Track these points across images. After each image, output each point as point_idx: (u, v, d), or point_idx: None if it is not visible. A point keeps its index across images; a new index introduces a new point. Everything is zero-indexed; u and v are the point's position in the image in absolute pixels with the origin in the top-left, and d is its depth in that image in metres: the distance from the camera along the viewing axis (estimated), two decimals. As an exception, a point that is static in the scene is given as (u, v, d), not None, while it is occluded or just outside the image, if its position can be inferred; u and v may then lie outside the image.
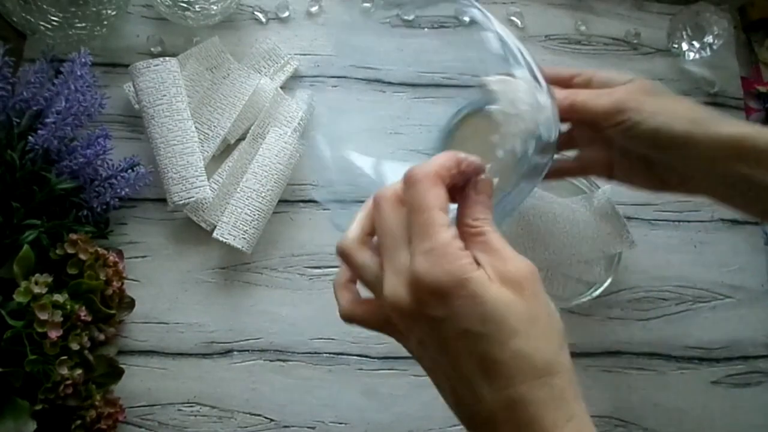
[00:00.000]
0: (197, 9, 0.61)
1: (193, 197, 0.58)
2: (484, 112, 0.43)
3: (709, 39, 0.68)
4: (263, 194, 0.57)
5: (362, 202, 0.62)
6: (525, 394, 0.30)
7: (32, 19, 0.58)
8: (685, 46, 0.69)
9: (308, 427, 0.56)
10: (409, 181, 0.33)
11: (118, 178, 0.56)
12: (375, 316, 0.35)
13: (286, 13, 0.66)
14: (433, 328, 0.31)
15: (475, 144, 0.59)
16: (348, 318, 0.36)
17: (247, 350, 0.57)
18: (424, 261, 0.30)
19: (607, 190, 0.60)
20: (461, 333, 0.30)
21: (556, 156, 0.42)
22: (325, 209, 0.61)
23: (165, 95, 0.58)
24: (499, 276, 0.31)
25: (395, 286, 0.31)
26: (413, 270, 0.31)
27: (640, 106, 0.42)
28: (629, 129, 0.42)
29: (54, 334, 0.47)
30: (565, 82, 0.47)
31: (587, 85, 0.46)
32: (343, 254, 0.35)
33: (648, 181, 0.46)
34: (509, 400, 0.30)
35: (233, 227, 0.57)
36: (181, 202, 0.57)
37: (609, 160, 0.48)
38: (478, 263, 0.31)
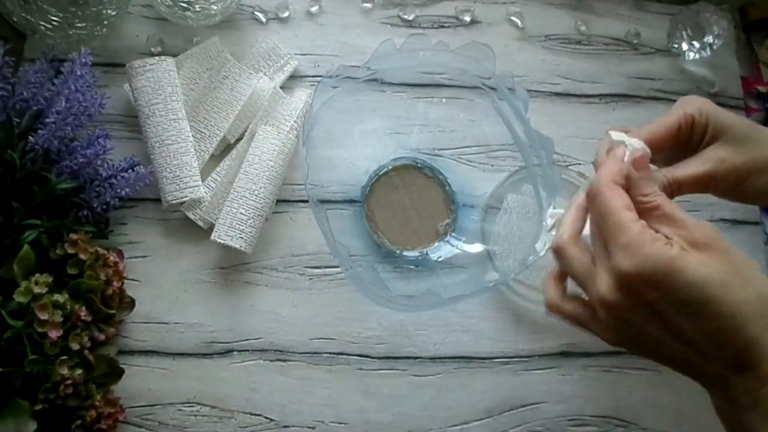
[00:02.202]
0: (197, 9, 0.61)
1: (187, 197, 0.58)
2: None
3: (709, 39, 0.68)
4: (257, 192, 0.57)
5: (357, 202, 0.63)
6: (756, 335, 0.33)
7: (32, 19, 0.58)
8: (685, 46, 0.69)
9: (308, 427, 0.56)
10: (590, 195, 0.37)
11: (118, 178, 0.56)
12: (581, 312, 0.39)
13: (286, 13, 0.66)
14: (653, 312, 0.34)
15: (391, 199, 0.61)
16: (554, 310, 0.41)
17: (247, 350, 0.57)
18: (624, 256, 0.34)
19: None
20: (680, 306, 0.33)
21: None
22: (329, 209, 0.61)
23: (161, 95, 0.58)
24: (690, 244, 0.34)
25: (608, 285, 0.35)
26: (617, 266, 0.34)
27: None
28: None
29: (54, 334, 0.47)
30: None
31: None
32: (558, 250, 0.39)
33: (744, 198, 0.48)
34: (742, 345, 0.33)
35: (230, 228, 0.57)
36: (175, 202, 0.58)
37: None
38: (667, 237, 0.35)
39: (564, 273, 0.42)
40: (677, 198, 0.64)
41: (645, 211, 0.36)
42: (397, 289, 0.59)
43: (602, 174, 0.38)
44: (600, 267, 0.36)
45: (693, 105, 0.44)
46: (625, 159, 0.39)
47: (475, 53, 0.55)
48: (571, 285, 0.41)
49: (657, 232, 0.35)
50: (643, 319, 0.35)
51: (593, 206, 0.37)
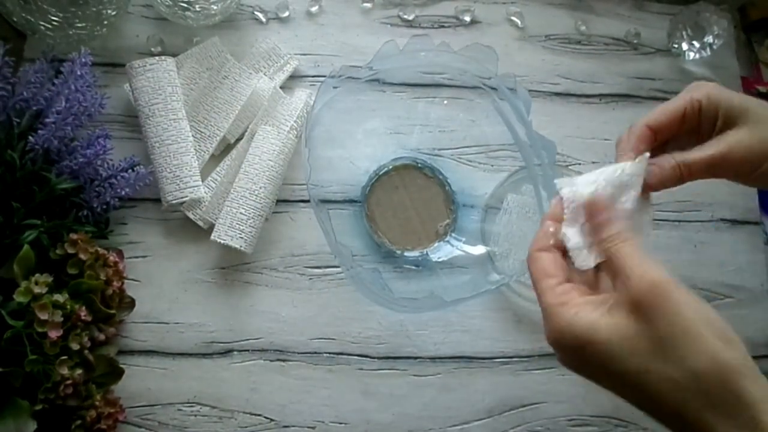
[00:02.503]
0: (197, 9, 0.61)
1: (186, 197, 0.58)
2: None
3: (709, 39, 0.68)
4: (256, 192, 0.57)
5: (358, 202, 0.63)
6: (694, 417, 0.29)
7: (32, 19, 0.58)
8: (685, 46, 0.69)
9: (308, 427, 0.56)
10: (530, 255, 0.37)
11: (118, 178, 0.56)
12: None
13: (286, 13, 0.66)
14: (585, 374, 0.33)
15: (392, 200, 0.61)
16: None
17: (247, 350, 0.57)
18: (545, 323, 0.34)
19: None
20: (604, 375, 0.32)
21: None
22: (329, 209, 0.61)
23: (161, 94, 0.58)
24: (624, 303, 0.31)
25: (547, 331, 0.35)
26: (547, 338, 0.34)
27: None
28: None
29: (54, 334, 0.47)
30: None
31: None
32: (530, 258, 0.38)
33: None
34: (681, 428, 0.31)
35: (230, 228, 0.57)
36: (174, 201, 0.58)
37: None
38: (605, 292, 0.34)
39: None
40: (677, 198, 0.65)
41: (605, 253, 0.35)
42: (397, 289, 0.59)
43: (534, 240, 0.38)
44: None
45: (701, 91, 0.41)
46: (565, 213, 0.38)
47: (477, 54, 0.55)
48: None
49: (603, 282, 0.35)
50: (587, 376, 0.34)
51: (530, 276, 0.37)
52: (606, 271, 0.35)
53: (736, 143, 0.39)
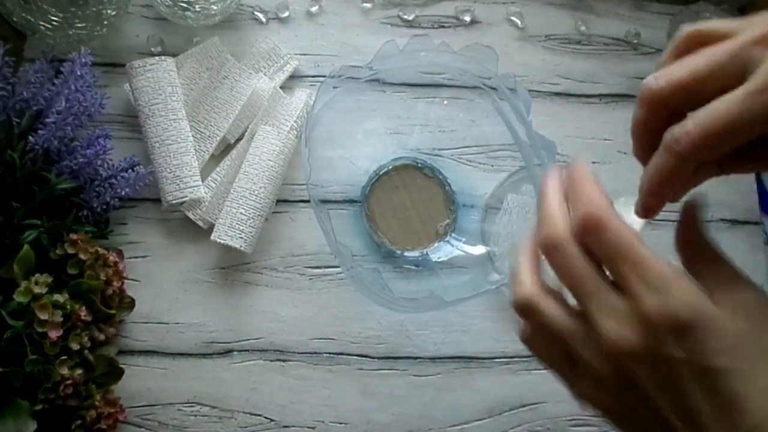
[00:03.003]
0: (197, 9, 0.61)
1: (186, 197, 0.58)
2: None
3: (709, 39, 0.68)
4: (257, 192, 0.57)
5: (357, 202, 0.63)
6: None
7: (32, 19, 0.58)
8: (685, 46, 0.69)
9: (308, 427, 0.56)
10: (591, 226, 0.29)
11: (118, 178, 0.56)
12: (566, 324, 0.30)
13: (286, 13, 0.66)
14: (665, 369, 0.27)
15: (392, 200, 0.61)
16: (526, 305, 0.31)
17: (247, 350, 0.57)
18: (653, 296, 0.27)
19: None
20: (702, 371, 0.26)
21: None
22: (329, 209, 0.61)
23: (161, 94, 0.58)
24: (731, 305, 0.28)
25: (617, 329, 0.27)
26: (643, 307, 0.27)
27: None
28: None
29: (54, 334, 0.47)
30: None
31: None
32: (526, 307, 0.31)
33: None
34: None
35: (230, 228, 0.57)
36: (174, 202, 0.58)
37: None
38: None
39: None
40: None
41: (696, 263, 0.31)
42: (397, 290, 0.59)
43: (595, 198, 0.29)
44: (603, 299, 0.28)
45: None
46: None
47: (477, 54, 0.55)
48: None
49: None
50: (645, 375, 0.28)
51: (596, 239, 0.29)
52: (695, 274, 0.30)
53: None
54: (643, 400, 0.28)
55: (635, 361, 0.27)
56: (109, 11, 0.60)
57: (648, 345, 0.27)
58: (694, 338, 0.26)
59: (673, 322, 0.26)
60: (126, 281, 0.55)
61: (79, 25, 0.59)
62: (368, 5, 0.68)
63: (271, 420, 0.56)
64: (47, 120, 0.54)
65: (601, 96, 0.68)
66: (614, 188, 0.65)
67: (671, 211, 0.67)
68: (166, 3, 0.61)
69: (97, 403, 0.50)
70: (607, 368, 0.28)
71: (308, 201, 0.61)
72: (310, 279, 0.60)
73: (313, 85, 0.65)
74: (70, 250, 0.52)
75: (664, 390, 0.28)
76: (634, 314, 0.27)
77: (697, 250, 0.31)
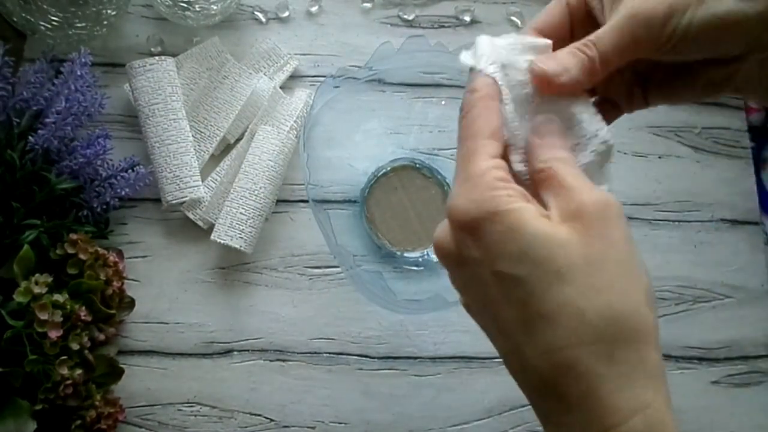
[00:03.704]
0: (197, 9, 0.61)
1: (186, 197, 0.58)
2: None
3: (709, 39, 0.68)
4: (256, 192, 0.57)
5: (356, 202, 0.62)
6: (578, 362, 0.23)
7: (32, 19, 0.58)
8: (685, 46, 0.69)
9: (308, 427, 0.56)
10: (464, 107, 0.29)
11: (118, 178, 0.56)
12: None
13: (286, 13, 0.66)
14: (471, 272, 0.27)
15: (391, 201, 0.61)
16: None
17: (247, 350, 0.57)
18: (457, 193, 0.27)
19: None
20: (496, 276, 0.25)
21: None
22: (326, 209, 0.61)
23: (161, 95, 0.58)
24: (561, 213, 0.25)
25: (438, 230, 0.28)
26: (448, 204, 0.27)
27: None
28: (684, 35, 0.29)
29: (54, 334, 0.47)
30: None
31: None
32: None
33: (689, 92, 0.33)
34: (559, 365, 0.24)
35: (230, 228, 0.57)
36: (174, 202, 0.58)
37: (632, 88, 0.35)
38: (545, 207, 0.26)
39: None
40: (677, 198, 0.64)
41: (539, 183, 0.27)
42: (397, 290, 0.59)
43: (480, 86, 0.29)
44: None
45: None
46: (504, 95, 0.30)
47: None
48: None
49: (545, 203, 0.27)
50: (464, 278, 0.28)
51: (462, 118, 0.30)
52: (542, 191, 0.27)
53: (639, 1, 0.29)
54: (474, 307, 0.29)
55: (446, 262, 0.28)
56: (109, 11, 0.60)
57: (454, 244, 0.27)
58: (485, 240, 0.25)
59: (465, 220, 0.26)
60: (126, 281, 0.55)
61: (79, 25, 0.59)
62: (368, 5, 0.68)
63: (271, 420, 0.56)
64: (47, 120, 0.54)
65: (601, 96, 0.68)
66: (614, 188, 0.65)
67: (671, 211, 0.68)
68: (166, 3, 0.61)
69: (97, 403, 0.50)
70: (444, 266, 0.29)
71: (308, 201, 0.61)
72: (310, 279, 0.60)
73: (313, 85, 0.65)
74: (70, 250, 0.52)
75: (473, 293, 0.27)
76: (447, 208, 0.27)
77: (537, 170, 0.28)
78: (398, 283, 0.60)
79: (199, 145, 0.61)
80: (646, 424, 0.24)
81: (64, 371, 0.48)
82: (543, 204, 0.27)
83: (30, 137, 0.54)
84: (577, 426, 0.24)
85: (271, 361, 0.57)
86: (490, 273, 0.26)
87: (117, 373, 0.53)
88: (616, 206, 0.25)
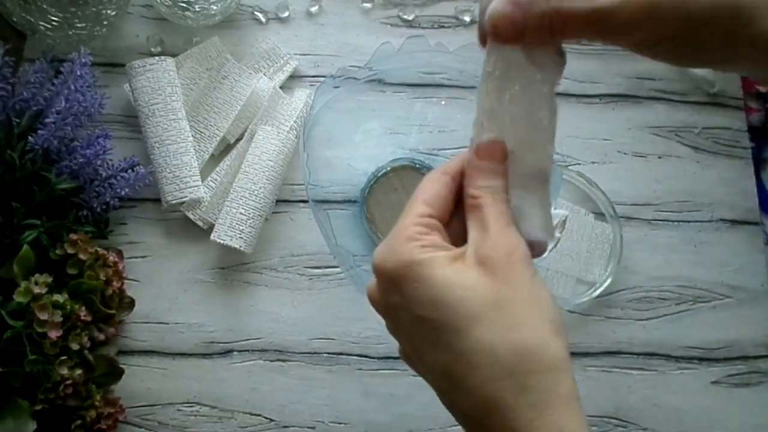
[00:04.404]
0: (197, 9, 0.61)
1: (186, 197, 0.58)
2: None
3: (709, 39, 0.68)
4: (256, 192, 0.57)
5: (354, 202, 0.63)
6: (495, 396, 0.25)
7: (32, 19, 0.58)
8: (685, 46, 0.69)
9: (308, 427, 0.56)
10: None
11: (118, 178, 0.56)
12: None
13: (286, 13, 0.66)
14: (398, 318, 0.29)
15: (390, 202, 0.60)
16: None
17: (247, 350, 0.57)
18: (381, 245, 0.30)
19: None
20: (418, 320, 0.28)
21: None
22: (326, 209, 0.61)
23: (160, 95, 0.58)
24: (475, 252, 0.28)
25: (370, 281, 0.31)
26: (374, 256, 0.30)
27: None
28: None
29: (54, 334, 0.47)
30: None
31: None
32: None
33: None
34: (482, 402, 0.26)
35: (230, 228, 0.57)
36: (174, 202, 0.58)
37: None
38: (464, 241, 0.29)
39: None
40: (677, 198, 0.65)
41: (469, 209, 0.30)
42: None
43: (446, 163, 0.32)
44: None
45: None
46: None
47: (473, 54, 0.55)
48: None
49: (467, 229, 0.30)
50: (392, 323, 0.31)
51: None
52: (468, 216, 0.30)
53: None
54: (403, 348, 0.31)
55: (377, 309, 0.31)
56: (109, 11, 0.60)
57: (380, 292, 0.30)
58: (404, 288, 0.28)
59: (384, 271, 0.29)
60: (126, 281, 0.55)
61: (79, 25, 0.59)
62: (368, 5, 0.68)
63: (271, 420, 0.56)
64: (47, 120, 0.54)
65: (601, 96, 0.68)
66: (614, 188, 0.66)
67: (671, 211, 0.68)
68: (166, 3, 0.61)
69: (97, 403, 0.50)
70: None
71: (308, 201, 0.61)
72: (310, 279, 0.60)
73: (313, 85, 0.65)
74: (70, 250, 0.52)
75: (403, 339, 0.30)
76: (373, 260, 0.30)
77: (466, 198, 0.31)
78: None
79: (199, 145, 0.61)
80: None
81: (64, 371, 0.48)
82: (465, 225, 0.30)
83: (30, 137, 0.54)
84: None
85: (271, 361, 0.57)
86: (412, 318, 0.28)
87: (117, 373, 0.53)
88: (522, 252, 0.28)
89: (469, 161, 0.31)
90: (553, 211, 0.51)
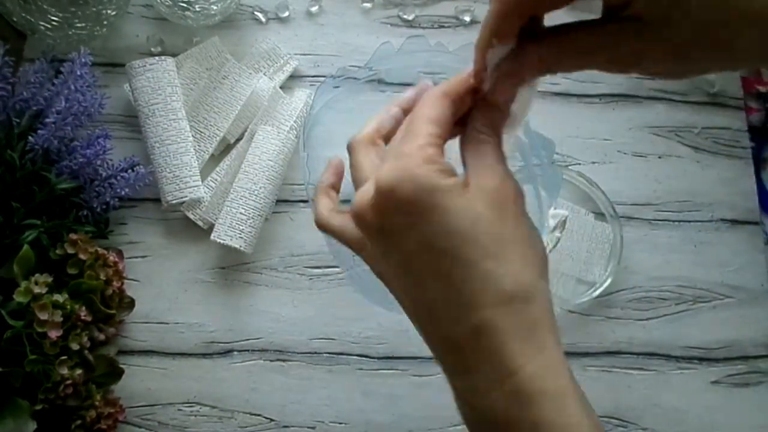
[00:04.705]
0: (197, 9, 0.61)
1: (186, 197, 0.58)
2: None
3: (709, 39, 0.68)
4: (256, 192, 0.57)
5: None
6: (491, 320, 0.27)
7: (32, 19, 0.58)
8: (685, 46, 0.69)
9: (308, 427, 0.56)
10: (418, 93, 0.33)
11: (118, 178, 0.56)
12: (350, 229, 0.33)
13: (286, 13, 0.66)
14: (396, 241, 0.29)
15: None
16: (322, 226, 0.36)
17: (247, 350, 0.57)
18: (391, 165, 0.28)
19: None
20: (425, 247, 0.28)
21: None
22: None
23: (160, 94, 0.58)
24: (481, 191, 0.28)
25: (365, 192, 0.30)
26: (378, 173, 0.29)
27: None
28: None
29: (54, 334, 0.47)
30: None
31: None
32: (349, 149, 0.35)
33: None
34: (474, 327, 0.28)
35: (230, 227, 0.57)
36: (174, 202, 0.58)
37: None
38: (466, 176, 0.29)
39: (337, 184, 0.37)
40: (677, 198, 0.65)
41: (472, 142, 0.31)
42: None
43: (447, 81, 0.31)
44: (358, 191, 0.31)
45: None
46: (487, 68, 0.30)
47: (472, 54, 0.55)
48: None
49: (464, 159, 0.30)
50: (386, 246, 0.30)
51: (416, 104, 0.31)
52: (468, 148, 0.31)
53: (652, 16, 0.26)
54: (394, 275, 0.30)
55: (367, 230, 0.30)
56: (109, 11, 0.60)
57: (377, 212, 0.29)
58: (415, 213, 0.28)
59: (395, 193, 0.28)
60: (126, 281, 0.55)
61: (79, 25, 0.59)
62: (368, 5, 0.68)
63: (271, 420, 0.56)
64: (47, 120, 0.54)
65: (601, 96, 0.68)
66: (614, 188, 0.66)
67: (671, 211, 0.68)
68: (166, 3, 0.61)
69: (97, 403, 0.50)
70: (356, 233, 0.31)
71: (308, 201, 0.61)
72: (310, 279, 0.60)
73: (313, 85, 0.65)
74: (70, 250, 0.52)
75: (400, 264, 0.29)
76: (375, 182, 0.29)
77: (472, 132, 0.31)
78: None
79: (199, 145, 0.61)
80: (546, 360, 0.27)
81: (64, 371, 0.48)
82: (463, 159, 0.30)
83: (30, 137, 0.54)
84: (487, 375, 0.28)
85: (271, 361, 0.57)
86: (417, 243, 0.28)
87: (117, 373, 0.53)
88: (521, 193, 0.29)
89: (480, 103, 0.31)
90: (553, 210, 0.51)
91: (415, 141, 0.29)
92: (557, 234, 0.59)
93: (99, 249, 0.53)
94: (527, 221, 0.29)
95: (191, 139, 0.60)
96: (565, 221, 0.59)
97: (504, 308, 0.27)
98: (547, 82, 0.68)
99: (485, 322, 0.27)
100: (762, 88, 0.70)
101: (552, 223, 0.55)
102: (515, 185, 0.29)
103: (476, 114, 0.31)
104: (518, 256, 0.28)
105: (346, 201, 0.62)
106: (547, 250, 0.51)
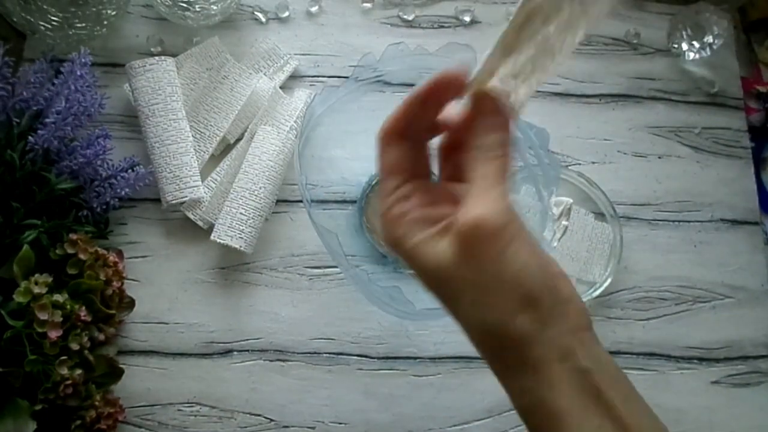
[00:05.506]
0: (197, 9, 0.61)
1: (186, 197, 0.58)
2: None
3: (709, 39, 0.68)
4: (256, 192, 0.57)
5: (354, 202, 0.62)
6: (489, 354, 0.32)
7: (32, 19, 0.58)
8: (685, 46, 0.69)
9: (308, 427, 0.56)
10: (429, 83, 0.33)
11: (118, 178, 0.56)
12: (401, 163, 0.33)
13: (286, 13, 0.66)
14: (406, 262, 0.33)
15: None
16: (382, 138, 0.33)
17: (247, 350, 0.57)
18: (381, 223, 0.32)
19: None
20: (424, 286, 0.32)
21: None
22: (326, 209, 0.61)
23: (160, 95, 0.58)
24: (457, 227, 0.29)
25: (382, 224, 0.33)
26: (382, 214, 0.32)
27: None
28: None
29: (54, 334, 0.47)
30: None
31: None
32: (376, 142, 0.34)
33: None
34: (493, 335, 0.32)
35: (230, 228, 0.57)
36: (174, 202, 0.58)
37: None
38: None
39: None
40: (677, 198, 0.64)
41: (473, 161, 0.30)
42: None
43: (387, 118, 0.33)
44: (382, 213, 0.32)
45: None
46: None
47: (454, 54, 0.54)
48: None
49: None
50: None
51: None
52: (470, 171, 0.30)
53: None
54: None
55: (391, 250, 0.32)
56: (109, 11, 0.60)
57: (389, 243, 0.32)
58: (405, 259, 0.31)
59: (391, 247, 0.32)
60: (126, 281, 0.55)
61: (79, 25, 0.59)
62: (368, 5, 0.68)
63: (271, 420, 0.56)
64: (47, 120, 0.54)
65: (601, 96, 0.68)
66: (614, 188, 0.65)
67: (671, 211, 0.68)
68: (166, 3, 0.61)
69: (97, 403, 0.50)
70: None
71: (306, 202, 0.61)
72: (310, 279, 0.60)
73: (313, 85, 0.65)
74: (70, 250, 0.52)
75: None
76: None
77: (474, 157, 0.31)
78: (398, 284, 0.60)
79: (199, 145, 0.61)
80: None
81: (64, 371, 0.48)
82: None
83: (30, 137, 0.54)
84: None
85: (271, 361, 0.57)
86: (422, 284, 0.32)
87: (117, 373, 0.53)
88: (495, 223, 0.29)
89: (474, 115, 0.31)
90: (557, 198, 0.50)
91: (383, 203, 0.32)
92: (564, 222, 0.58)
93: (99, 249, 0.53)
94: (502, 257, 0.29)
95: (191, 139, 0.60)
96: (570, 208, 0.59)
97: (481, 348, 0.33)
98: (547, 82, 0.68)
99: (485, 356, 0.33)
100: (762, 88, 0.70)
101: (556, 211, 0.55)
102: (482, 218, 0.28)
103: (471, 133, 0.31)
104: (485, 299, 0.29)
105: (341, 201, 0.62)
106: (556, 240, 0.51)
